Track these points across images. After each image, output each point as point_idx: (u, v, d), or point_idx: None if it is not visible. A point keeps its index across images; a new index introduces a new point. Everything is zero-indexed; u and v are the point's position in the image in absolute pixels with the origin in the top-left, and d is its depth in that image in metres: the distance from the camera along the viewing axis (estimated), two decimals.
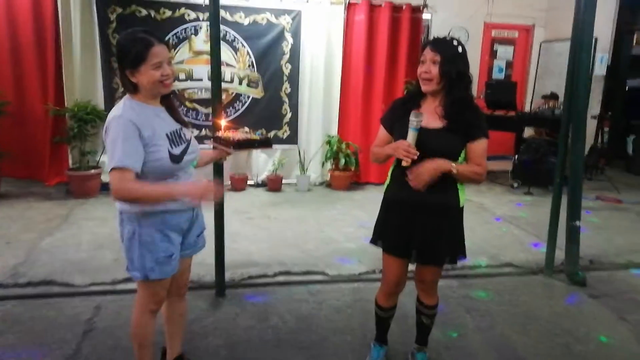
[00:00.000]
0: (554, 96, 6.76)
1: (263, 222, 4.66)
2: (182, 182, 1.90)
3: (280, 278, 3.43)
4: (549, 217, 3.65)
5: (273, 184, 5.90)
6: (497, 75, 8.30)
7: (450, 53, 1.96)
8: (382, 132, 2.20)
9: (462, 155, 2.04)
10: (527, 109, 7.83)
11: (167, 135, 1.86)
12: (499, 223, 4.83)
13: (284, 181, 6.01)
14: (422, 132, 1.96)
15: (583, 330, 2.85)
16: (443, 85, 1.99)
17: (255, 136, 2.33)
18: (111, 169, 1.73)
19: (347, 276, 3.47)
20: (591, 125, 6.53)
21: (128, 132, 1.73)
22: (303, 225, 4.59)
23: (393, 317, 2.41)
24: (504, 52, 8.28)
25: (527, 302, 3.20)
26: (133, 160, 1.74)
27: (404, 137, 1.99)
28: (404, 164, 1.97)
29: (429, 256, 2.12)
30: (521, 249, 4.11)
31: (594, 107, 7.14)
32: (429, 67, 1.98)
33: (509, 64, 8.32)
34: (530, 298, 3.27)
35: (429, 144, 1.97)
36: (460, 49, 1.98)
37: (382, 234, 2.21)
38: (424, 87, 2.02)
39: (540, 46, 8.04)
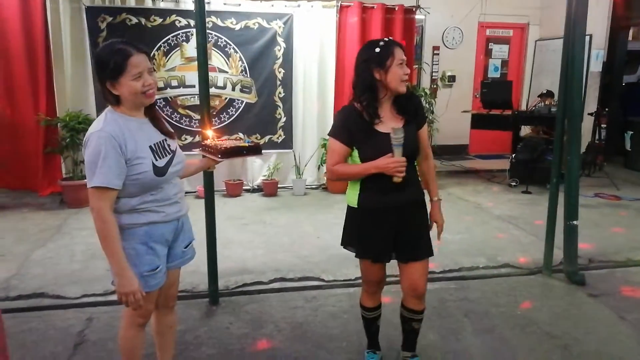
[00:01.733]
0: (549, 94, 6.73)
1: (258, 228, 4.62)
2: (129, 271, 1.76)
3: (275, 285, 3.38)
4: (546, 216, 3.61)
5: (269, 189, 5.86)
6: (493, 74, 8.28)
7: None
8: (337, 147, 2.04)
9: None
10: (523, 107, 7.80)
11: (150, 147, 1.81)
12: (497, 222, 4.79)
13: (279, 186, 5.98)
14: (389, 137, 1.94)
15: (582, 331, 2.81)
16: None
17: (244, 143, 2.28)
18: (92, 187, 1.68)
19: (343, 281, 3.43)
20: (588, 122, 6.50)
21: (109, 148, 1.68)
22: (299, 230, 4.54)
23: (380, 317, 2.39)
24: (499, 51, 8.26)
25: (525, 303, 3.15)
26: (114, 178, 1.69)
27: (375, 149, 1.97)
28: (396, 180, 1.96)
29: (417, 251, 2.13)
30: (519, 249, 4.06)
31: (591, 103, 7.12)
32: (406, 68, 2.03)
33: (504, 63, 8.30)
34: (529, 299, 3.22)
35: (405, 146, 1.97)
36: None
37: (361, 242, 2.14)
38: (403, 88, 2.02)
39: (535, 44, 8.02)
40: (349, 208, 2.17)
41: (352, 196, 2.12)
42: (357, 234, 2.14)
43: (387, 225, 2.08)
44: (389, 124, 1.99)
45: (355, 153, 2.04)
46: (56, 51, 5.16)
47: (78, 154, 5.18)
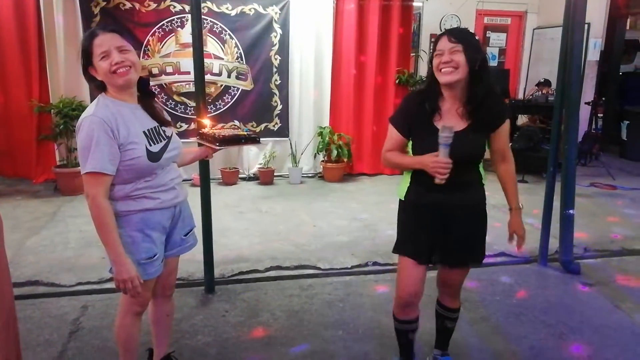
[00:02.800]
0: (547, 83, 6.71)
1: (254, 216, 4.60)
2: (126, 258, 1.73)
3: (272, 273, 3.38)
4: (542, 205, 3.61)
5: (265, 177, 5.84)
6: (490, 62, 8.20)
7: (471, 41, 1.82)
8: (394, 134, 1.97)
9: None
10: (520, 96, 7.78)
11: (144, 132, 1.78)
12: (493, 212, 4.77)
13: (275, 174, 5.96)
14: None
15: (577, 320, 2.82)
16: (465, 78, 1.81)
17: (243, 132, 2.24)
18: (86, 173, 1.66)
19: (340, 270, 3.43)
20: (585, 111, 6.49)
21: (101, 133, 1.65)
22: (295, 219, 4.53)
23: (415, 331, 2.14)
24: (497, 39, 8.20)
25: (520, 292, 3.17)
26: (106, 163, 1.66)
27: (429, 144, 1.82)
28: (437, 182, 1.82)
29: (460, 258, 2.00)
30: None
31: (588, 93, 7.09)
32: (450, 56, 1.78)
33: (501, 51, 8.24)
34: (525, 288, 3.23)
35: (458, 148, 1.80)
36: (477, 38, 1.88)
37: (407, 240, 2.02)
38: (448, 78, 1.80)
39: (533, 33, 7.96)
40: (399, 201, 2.05)
41: (401, 189, 2.02)
42: (402, 228, 2.05)
43: (431, 224, 1.95)
44: (450, 121, 1.84)
45: (411, 143, 1.96)
46: (49, 37, 5.08)
47: (72, 141, 5.12)
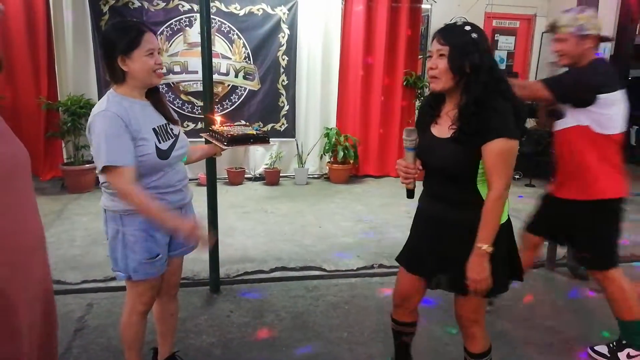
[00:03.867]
0: None
1: (260, 217, 4.59)
2: (178, 216, 1.79)
3: (277, 274, 3.37)
4: None
5: (270, 178, 5.83)
6: (499, 65, 8.20)
7: (460, 42, 1.60)
8: None
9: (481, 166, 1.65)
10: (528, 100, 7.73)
11: (154, 129, 1.78)
12: None
13: (281, 174, 5.95)
14: (433, 142, 1.72)
15: (585, 326, 2.79)
16: (458, 82, 1.63)
17: (252, 131, 2.22)
18: (103, 168, 1.66)
19: (345, 272, 3.41)
20: None
21: (115, 127, 1.66)
22: (301, 220, 4.52)
23: (410, 335, 2.07)
24: (505, 43, 8.16)
25: (528, 297, 3.14)
26: (124, 156, 1.66)
27: (423, 142, 1.75)
28: (406, 186, 1.78)
29: (453, 282, 1.75)
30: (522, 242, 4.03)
31: None
32: (435, 61, 1.64)
33: (510, 55, 8.21)
34: (532, 293, 3.20)
35: (433, 158, 1.71)
36: (475, 36, 1.60)
37: (405, 245, 1.95)
38: (432, 86, 1.68)
39: (542, 36, 7.92)
40: None
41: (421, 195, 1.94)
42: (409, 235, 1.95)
43: (425, 232, 1.84)
44: (441, 127, 1.72)
45: None
46: (58, 35, 5.10)
47: (79, 139, 5.14)
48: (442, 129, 1.71)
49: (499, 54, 8.19)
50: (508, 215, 1.76)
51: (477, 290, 1.66)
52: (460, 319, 1.86)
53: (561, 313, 2.94)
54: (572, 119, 2.32)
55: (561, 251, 3.59)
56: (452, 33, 1.64)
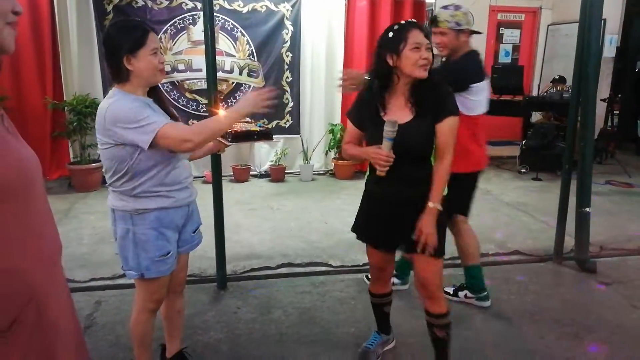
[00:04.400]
0: (562, 80, 6.62)
1: (266, 213, 4.60)
2: (234, 106, 1.89)
3: (283, 270, 3.37)
4: (557, 203, 3.56)
5: (276, 174, 5.84)
6: (504, 59, 8.14)
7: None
8: (351, 127, 2.10)
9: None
10: (534, 93, 7.69)
11: None
12: (506, 210, 4.74)
13: (287, 171, 5.95)
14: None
15: (594, 319, 2.77)
16: None
17: (255, 127, 2.23)
18: (153, 140, 1.65)
19: (351, 267, 3.41)
20: (601, 109, 6.38)
21: (135, 103, 1.70)
22: (306, 216, 4.52)
23: (388, 305, 2.36)
24: (510, 36, 8.11)
25: (535, 291, 3.13)
26: (160, 119, 1.70)
27: (376, 137, 1.88)
28: (378, 173, 1.89)
29: (413, 246, 1.94)
30: (529, 236, 4.02)
31: (604, 89, 6.98)
32: (427, 53, 1.85)
33: (515, 48, 8.15)
34: (539, 286, 3.19)
35: (402, 140, 1.84)
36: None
37: (361, 225, 2.15)
38: (425, 74, 1.85)
39: (547, 29, 7.86)
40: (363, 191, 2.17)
41: (365, 178, 2.14)
42: (358, 213, 2.17)
43: (381, 213, 2.03)
44: (396, 114, 1.89)
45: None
46: (63, 35, 5.12)
47: (85, 138, 5.16)
48: (397, 114, 1.89)
49: (504, 48, 8.14)
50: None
51: (428, 242, 1.88)
52: (425, 285, 2.03)
53: (570, 306, 2.92)
54: None
55: (568, 245, 3.57)
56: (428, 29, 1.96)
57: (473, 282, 2.89)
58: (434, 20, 2.64)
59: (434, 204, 1.89)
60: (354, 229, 2.17)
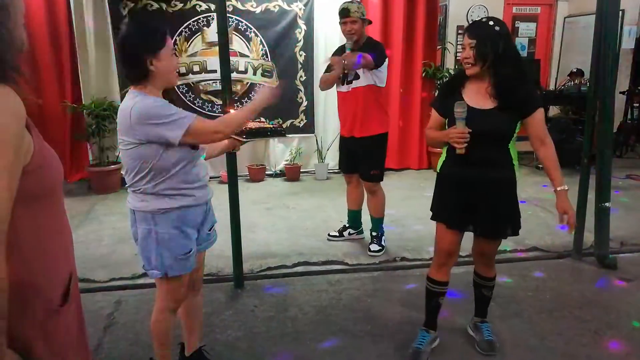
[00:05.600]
0: (579, 73, 6.51)
1: (282, 212, 4.63)
2: (254, 98, 2.00)
3: (299, 268, 3.39)
4: (576, 198, 3.51)
5: (291, 174, 5.86)
6: (520, 51, 8.04)
7: (484, 34, 2.01)
8: (434, 115, 2.29)
9: (515, 133, 2.11)
10: (552, 87, 7.57)
11: None
12: (524, 205, 4.67)
13: (302, 170, 5.97)
14: (474, 113, 2.03)
15: (614, 316, 2.73)
16: (487, 66, 2.03)
17: (269, 125, 2.27)
18: (184, 134, 1.71)
19: (367, 265, 3.42)
20: (620, 102, 6.27)
21: (161, 102, 1.74)
22: (322, 214, 4.54)
23: (443, 295, 2.36)
24: (526, 29, 7.99)
25: (554, 288, 3.09)
26: (184, 114, 1.74)
27: (453, 122, 2.07)
28: (458, 151, 2.05)
29: (491, 230, 2.20)
30: (547, 232, 3.97)
31: (623, 82, 6.85)
32: (467, 52, 2.06)
33: (531, 42, 8.03)
34: (558, 283, 3.15)
35: (480, 125, 2.02)
36: (498, 28, 2.01)
37: (436, 205, 2.29)
38: (468, 72, 2.09)
39: (564, 21, 7.73)
40: (436, 175, 2.32)
41: (439, 163, 2.29)
42: (436, 198, 2.30)
43: (461, 194, 2.16)
44: (475, 99, 2.08)
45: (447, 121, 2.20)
46: (80, 39, 5.21)
47: (104, 140, 5.25)
48: (480, 103, 2.07)
49: (520, 41, 8.02)
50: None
51: (572, 222, 2.11)
52: (483, 256, 2.35)
53: (589, 303, 2.89)
54: (365, 79, 3.35)
55: (588, 241, 3.52)
56: (477, 29, 2.07)
57: (357, 224, 3.82)
58: (346, 11, 3.32)
59: (562, 187, 2.13)
60: (433, 214, 2.30)
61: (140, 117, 1.69)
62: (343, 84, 3.46)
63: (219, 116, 5.65)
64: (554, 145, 2.14)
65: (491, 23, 2.04)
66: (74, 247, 1.23)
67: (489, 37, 2.00)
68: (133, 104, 1.72)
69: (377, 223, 3.64)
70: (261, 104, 1.98)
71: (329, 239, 3.84)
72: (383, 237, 3.67)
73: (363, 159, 3.52)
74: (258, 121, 2.33)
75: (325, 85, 3.57)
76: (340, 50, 3.51)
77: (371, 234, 3.66)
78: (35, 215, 1.03)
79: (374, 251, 3.56)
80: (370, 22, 3.51)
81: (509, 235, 2.21)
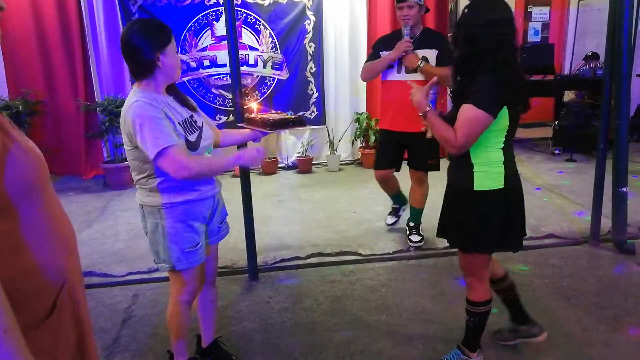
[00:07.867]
0: (595, 56, 6.38)
1: (294, 205, 4.64)
2: (236, 154, 1.86)
3: (313, 260, 3.40)
4: (593, 184, 3.46)
5: (303, 166, 5.86)
6: (533, 38, 7.91)
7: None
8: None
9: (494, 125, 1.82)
10: (566, 71, 7.44)
11: (179, 123, 1.83)
12: (540, 192, 4.63)
13: (314, 162, 5.97)
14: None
15: (632, 302, 2.69)
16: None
17: (289, 115, 2.28)
18: (157, 154, 1.67)
19: (381, 255, 3.41)
20: (637, 84, 6.13)
21: (152, 111, 1.72)
22: (335, 206, 4.53)
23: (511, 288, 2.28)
24: (539, 14, 7.87)
25: (572, 274, 3.05)
26: (168, 137, 1.70)
27: None
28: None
29: (451, 239, 2.09)
30: (564, 219, 3.92)
31: (639, 64, 6.69)
32: None
33: (544, 26, 7.91)
34: (575, 270, 3.11)
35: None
36: (466, 11, 1.87)
37: (490, 234, 2.06)
38: None
39: (578, 4, 7.58)
40: (480, 194, 1.90)
41: (483, 178, 1.90)
42: (482, 223, 1.93)
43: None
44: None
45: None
46: (91, 37, 5.25)
47: (118, 137, 5.31)
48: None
49: (533, 26, 7.90)
50: (509, 185, 1.90)
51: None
52: (462, 271, 2.12)
53: (607, 289, 2.85)
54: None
55: (605, 227, 3.46)
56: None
57: (404, 200, 3.76)
58: None
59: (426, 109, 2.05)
60: (475, 239, 2.00)
61: (132, 122, 1.71)
62: (399, 73, 3.24)
63: (230, 111, 5.64)
64: (455, 143, 1.85)
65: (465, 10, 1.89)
66: (78, 249, 1.14)
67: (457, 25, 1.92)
68: (130, 103, 1.74)
69: (419, 214, 3.54)
70: (240, 164, 1.97)
71: (389, 228, 3.78)
72: (420, 227, 3.59)
73: (419, 150, 3.32)
74: (277, 112, 2.32)
75: (372, 74, 3.36)
76: (392, 36, 3.29)
77: (409, 225, 3.57)
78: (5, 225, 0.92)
79: (415, 242, 3.48)
80: (428, 10, 3.26)
81: (454, 246, 2.06)
